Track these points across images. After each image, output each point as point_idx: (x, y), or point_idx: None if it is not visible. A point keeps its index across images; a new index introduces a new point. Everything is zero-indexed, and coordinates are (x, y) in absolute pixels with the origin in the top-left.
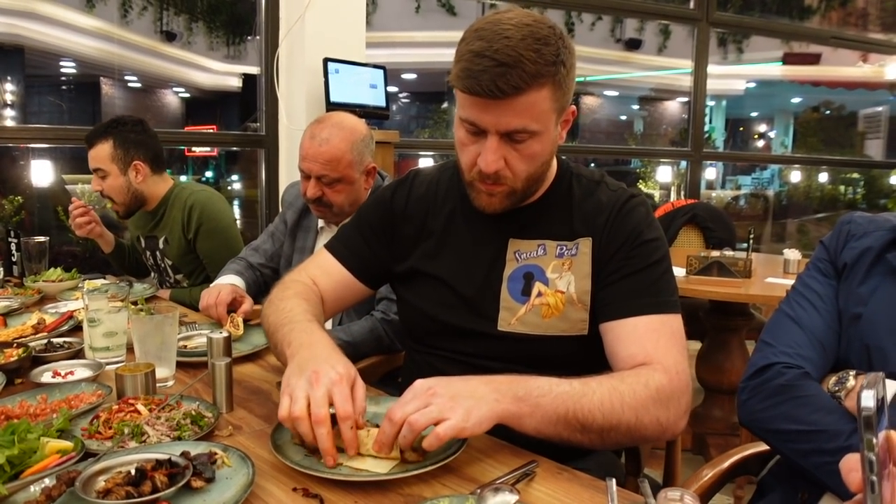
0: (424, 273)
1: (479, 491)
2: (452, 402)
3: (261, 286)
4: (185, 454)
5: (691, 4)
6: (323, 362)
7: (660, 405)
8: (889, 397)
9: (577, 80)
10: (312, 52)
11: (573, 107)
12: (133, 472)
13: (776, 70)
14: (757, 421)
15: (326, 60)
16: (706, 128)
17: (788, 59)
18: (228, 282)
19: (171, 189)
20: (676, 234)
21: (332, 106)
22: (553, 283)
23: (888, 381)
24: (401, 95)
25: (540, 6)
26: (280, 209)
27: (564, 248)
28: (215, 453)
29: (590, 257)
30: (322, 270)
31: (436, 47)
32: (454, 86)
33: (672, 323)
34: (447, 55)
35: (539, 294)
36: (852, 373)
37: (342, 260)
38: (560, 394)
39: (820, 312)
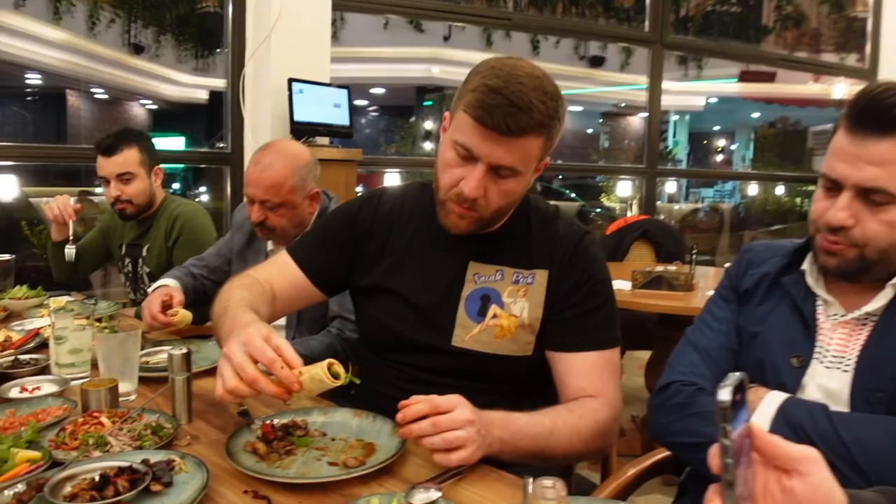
0: (386, 288)
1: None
2: (475, 438)
3: (199, 294)
4: (145, 462)
5: (647, 28)
6: (233, 337)
7: (605, 437)
8: (775, 407)
9: None
10: (278, 72)
11: (548, 158)
12: (97, 478)
13: (734, 87)
14: (662, 434)
15: (291, 80)
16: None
17: (745, 77)
18: (159, 284)
19: (163, 200)
20: (628, 249)
21: (296, 125)
22: (508, 307)
23: (775, 392)
24: (369, 109)
25: (506, 29)
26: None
27: (521, 275)
28: (173, 460)
29: (545, 288)
30: (278, 270)
31: (403, 63)
32: (463, 110)
33: (614, 358)
34: (415, 70)
35: (494, 316)
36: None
37: (300, 263)
38: (535, 436)
39: (717, 334)
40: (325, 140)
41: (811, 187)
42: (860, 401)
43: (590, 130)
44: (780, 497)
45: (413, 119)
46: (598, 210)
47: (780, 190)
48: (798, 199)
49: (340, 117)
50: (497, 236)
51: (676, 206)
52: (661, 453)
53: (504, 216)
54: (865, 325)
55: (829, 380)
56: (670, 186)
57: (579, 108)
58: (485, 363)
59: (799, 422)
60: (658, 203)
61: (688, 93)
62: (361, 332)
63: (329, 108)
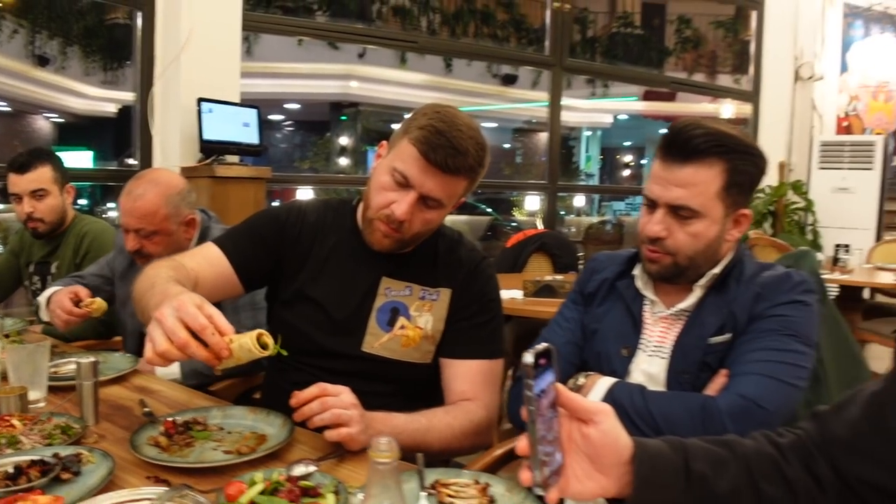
0: (307, 297)
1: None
2: (359, 420)
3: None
4: (55, 455)
5: (547, 51)
6: (164, 304)
7: (479, 435)
8: (604, 389)
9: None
10: (187, 91)
11: (465, 198)
12: (11, 469)
13: (639, 105)
14: (517, 417)
15: (200, 100)
16: (582, 157)
17: (648, 96)
18: (51, 291)
19: (73, 218)
20: (527, 261)
21: (205, 143)
22: (415, 319)
23: (606, 378)
24: (285, 124)
25: (419, 52)
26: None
27: (427, 292)
28: (81, 453)
29: (447, 304)
30: (204, 258)
31: (319, 79)
32: (411, 143)
33: (496, 368)
34: (330, 86)
35: (402, 327)
36: (583, 374)
37: (227, 254)
38: (412, 432)
39: (565, 332)
40: (234, 158)
41: None
42: (673, 382)
43: (507, 146)
44: (581, 442)
45: (328, 135)
46: (514, 224)
47: None
48: None
49: (250, 136)
50: (408, 256)
51: (585, 219)
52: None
53: (419, 240)
54: (680, 320)
55: (650, 366)
56: (579, 200)
57: (493, 125)
58: (390, 368)
59: (621, 401)
60: (570, 217)
61: (597, 110)
62: (275, 336)
63: (238, 127)
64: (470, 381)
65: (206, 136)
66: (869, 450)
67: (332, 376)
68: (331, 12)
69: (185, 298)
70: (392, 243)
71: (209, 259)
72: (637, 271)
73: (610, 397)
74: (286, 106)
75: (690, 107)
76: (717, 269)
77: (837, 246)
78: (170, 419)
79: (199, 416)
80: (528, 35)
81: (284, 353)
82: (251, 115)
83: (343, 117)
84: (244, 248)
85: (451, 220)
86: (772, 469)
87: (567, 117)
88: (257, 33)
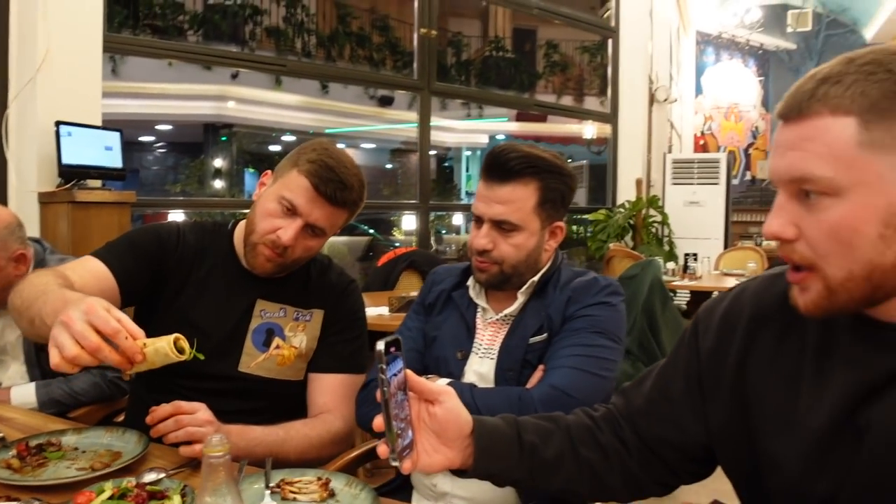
0: (184, 318)
1: None
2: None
3: None
4: None
5: (415, 75)
6: (70, 307)
7: (337, 445)
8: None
9: (331, 130)
10: (44, 114)
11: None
12: None
13: (512, 126)
14: (363, 422)
15: (59, 123)
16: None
17: (520, 117)
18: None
19: None
20: (398, 278)
21: (64, 168)
22: (289, 339)
23: (444, 379)
24: (156, 146)
25: (289, 75)
26: None
27: (300, 313)
28: None
29: (320, 324)
30: (86, 270)
31: (191, 99)
32: (301, 174)
33: (357, 381)
34: (203, 107)
35: (277, 347)
36: (423, 377)
37: (110, 266)
38: (269, 444)
39: (408, 340)
40: (96, 183)
41: (585, 216)
42: (500, 379)
43: (389, 166)
44: (428, 420)
45: (202, 157)
46: (397, 244)
47: None
48: (574, 227)
49: (112, 159)
50: (282, 279)
51: (464, 237)
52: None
53: (297, 266)
54: (506, 324)
55: (481, 366)
56: (457, 219)
57: (371, 146)
58: (266, 386)
59: None
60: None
61: (473, 131)
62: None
63: (100, 151)
64: (331, 393)
65: (66, 160)
66: (660, 413)
67: (209, 397)
68: (203, 33)
69: (94, 302)
70: (274, 267)
71: (92, 272)
72: (471, 282)
73: None
74: (158, 127)
75: (560, 127)
76: (535, 277)
77: (686, 255)
78: (22, 442)
79: (53, 438)
80: (402, 58)
81: (201, 356)
82: (114, 137)
83: (223, 138)
84: (126, 262)
85: (331, 240)
86: (588, 436)
87: (444, 138)
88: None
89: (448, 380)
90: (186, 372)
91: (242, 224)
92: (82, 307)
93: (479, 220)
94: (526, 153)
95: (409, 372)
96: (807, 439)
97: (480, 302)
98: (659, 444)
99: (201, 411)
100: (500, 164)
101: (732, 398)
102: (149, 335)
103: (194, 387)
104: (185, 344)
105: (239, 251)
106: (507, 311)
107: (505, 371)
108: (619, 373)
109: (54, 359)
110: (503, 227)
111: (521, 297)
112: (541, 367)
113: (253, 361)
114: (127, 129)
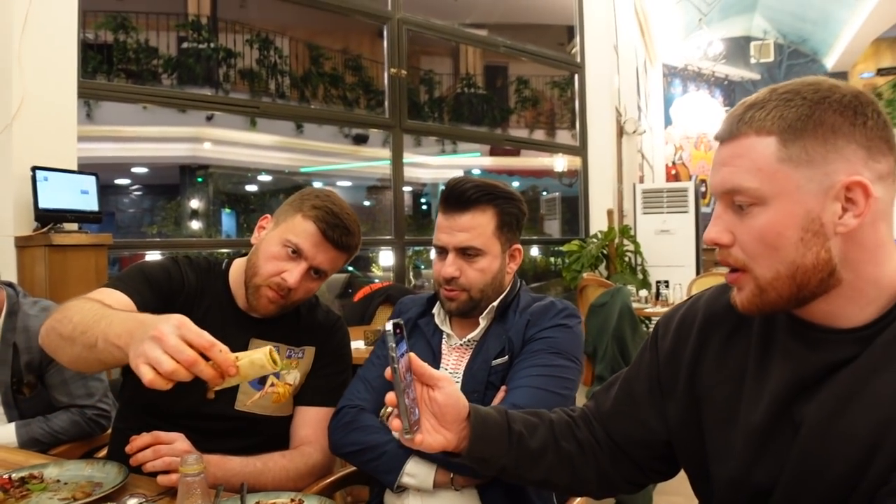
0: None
1: None
2: None
3: None
4: None
5: (387, 114)
6: (157, 322)
7: (314, 477)
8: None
9: (306, 169)
10: (20, 160)
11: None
12: None
13: (486, 161)
14: (336, 448)
15: (35, 168)
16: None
17: (493, 152)
18: None
19: None
20: (374, 313)
21: (41, 212)
22: (283, 377)
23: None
24: (132, 189)
25: (262, 117)
26: None
27: (293, 351)
28: None
29: (312, 360)
30: (116, 301)
31: (167, 142)
32: (309, 219)
33: None
34: (179, 149)
35: (272, 385)
36: (387, 411)
37: (131, 297)
38: (246, 475)
39: (377, 367)
40: (73, 226)
41: (561, 248)
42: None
43: (366, 203)
44: (429, 403)
45: (178, 198)
46: (377, 280)
47: (534, 251)
48: (552, 259)
49: (88, 203)
50: (274, 318)
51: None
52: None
53: (295, 306)
54: (470, 348)
55: None
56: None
57: (348, 183)
58: (262, 424)
59: None
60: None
61: (447, 166)
62: (143, 401)
63: (76, 195)
64: (313, 426)
65: (42, 204)
66: (627, 413)
67: (206, 437)
68: (177, 76)
69: (183, 318)
70: (276, 309)
71: (120, 302)
72: (436, 310)
73: None
74: (134, 170)
75: (532, 160)
76: (495, 303)
77: (658, 282)
78: (5, 475)
79: (35, 471)
80: (376, 96)
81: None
82: (90, 181)
83: (199, 179)
84: (146, 295)
85: None
86: (568, 431)
87: (420, 174)
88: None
89: None
90: (183, 412)
91: (238, 265)
92: (173, 322)
93: (442, 251)
94: (480, 183)
95: (412, 355)
96: (748, 432)
97: (445, 328)
98: (627, 443)
99: (179, 441)
100: (459, 195)
101: (687, 395)
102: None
103: (190, 426)
104: (276, 356)
105: (234, 292)
106: (470, 336)
107: (470, 393)
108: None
109: (147, 375)
110: (468, 253)
111: (483, 322)
112: (503, 387)
113: (249, 400)
114: (103, 172)
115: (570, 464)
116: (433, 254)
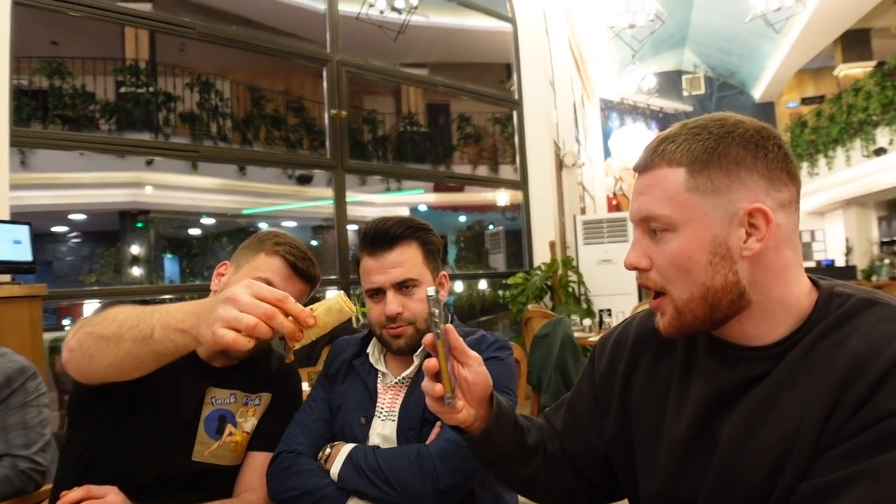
0: (141, 414)
1: None
2: None
3: None
4: None
5: (328, 154)
6: (231, 288)
7: None
8: (345, 455)
9: (249, 211)
10: None
11: None
12: None
13: (430, 197)
14: (275, 495)
15: None
16: None
17: (438, 188)
18: None
19: None
20: (321, 353)
21: None
22: (241, 425)
23: (349, 444)
24: (70, 236)
25: (202, 160)
26: None
27: (249, 398)
28: None
29: (266, 407)
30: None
31: (105, 188)
32: (277, 256)
33: None
34: (118, 195)
35: (230, 434)
36: (328, 444)
37: None
38: None
39: (314, 410)
40: (5, 277)
41: (506, 281)
42: (402, 439)
43: (314, 243)
44: (460, 378)
45: (118, 245)
46: None
47: (482, 285)
48: (500, 292)
49: (22, 253)
50: (231, 366)
51: None
52: None
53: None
54: (405, 386)
55: (384, 428)
56: None
57: (293, 224)
58: (220, 474)
59: (358, 461)
60: None
61: (393, 204)
62: (96, 458)
63: (8, 245)
64: (260, 472)
65: None
66: (573, 433)
67: (162, 492)
68: (116, 121)
69: (250, 279)
70: (246, 352)
71: None
72: (370, 349)
73: (349, 461)
74: (71, 217)
75: (476, 196)
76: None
77: (601, 311)
78: None
79: None
80: (319, 137)
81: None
82: (22, 231)
83: (140, 224)
84: None
85: None
86: (549, 438)
87: (365, 212)
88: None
89: (353, 445)
90: (141, 468)
91: None
92: (244, 283)
93: (377, 293)
94: (400, 219)
95: (449, 327)
96: (672, 447)
97: (380, 367)
98: (577, 461)
99: (111, 494)
100: (384, 234)
101: (619, 412)
102: (95, 437)
103: (146, 483)
104: (347, 298)
105: None
106: (405, 374)
107: (406, 431)
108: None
109: (227, 336)
110: (406, 286)
111: (416, 360)
112: (438, 423)
113: (206, 450)
114: (39, 220)
115: (552, 468)
116: (366, 300)
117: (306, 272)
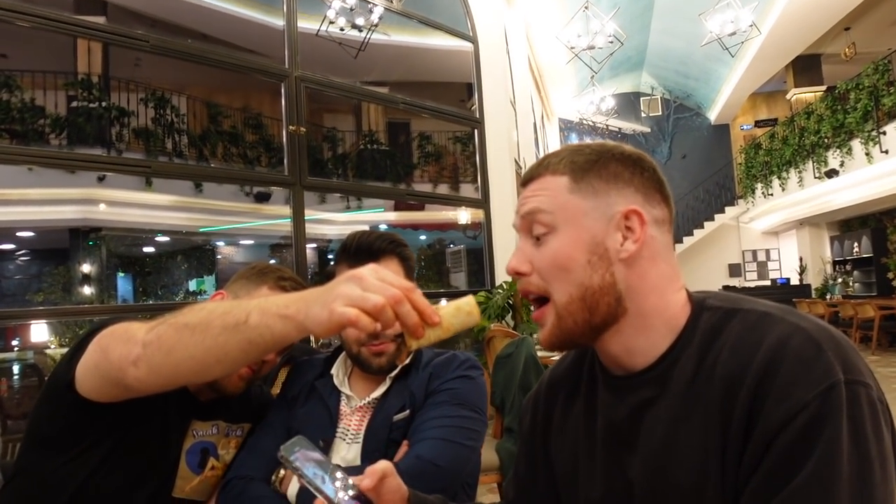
0: (128, 452)
1: None
2: None
3: None
4: None
5: (286, 171)
6: (362, 269)
7: None
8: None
9: (205, 229)
10: None
11: None
12: None
13: (391, 216)
14: None
15: None
16: None
17: (398, 206)
18: None
19: None
20: (277, 374)
21: None
22: (223, 457)
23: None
24: (18, 254)
25: (154, 176)
26: None
27: (231, 429)
28: None
29: (246, 437)
30: None
31: (55, 204)
32: (271, 287)
33: None
34: (69, 212)
35: (212, 467)
36: (282, 468)
37: None
38: None
39: (268, 435)
40: None
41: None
42: (367, 461)
43: (271, 262)
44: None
45: (68, 263)
46: None
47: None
48: None
49: None
50: (214, 400)
51: None
52: None
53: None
54: (372, 408)
55: (348, 452)
56: None
57: (250, 242)
58: None
59: None
60: None
61: (353, 222)
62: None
63: None
64: None
65: None
66: (521, 497)
67: None
68: (66, 136)
69: (375, 265)
70: (245, 385)
71: None
72: (334, 370)
73: (304, 487)
74: (19, 234)
75: (437, 214)
76: (407, 360)
77: None
78: None
79: None
80: (277, 154)
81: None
82: None
83: (91, 242)
84: None
85: None
86: None
87: (325, 230)
88: None
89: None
90: None
91: None
92: (369, 267)
93: None
94: (382, 233)
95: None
96: (589, 499)
97: (344, 390)
98: None
99: None
100: (368, 246)
101: (545, 471)
102: (78, 476)
103: None
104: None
105: None
106: (373, 396)
107: (370, 453)
108: (503, 452)
109: (349, 312)
110: None
111: (387, 381)
112: (405, 442)
113: (188, 485)
114: None
115: None
116: None
117: None
